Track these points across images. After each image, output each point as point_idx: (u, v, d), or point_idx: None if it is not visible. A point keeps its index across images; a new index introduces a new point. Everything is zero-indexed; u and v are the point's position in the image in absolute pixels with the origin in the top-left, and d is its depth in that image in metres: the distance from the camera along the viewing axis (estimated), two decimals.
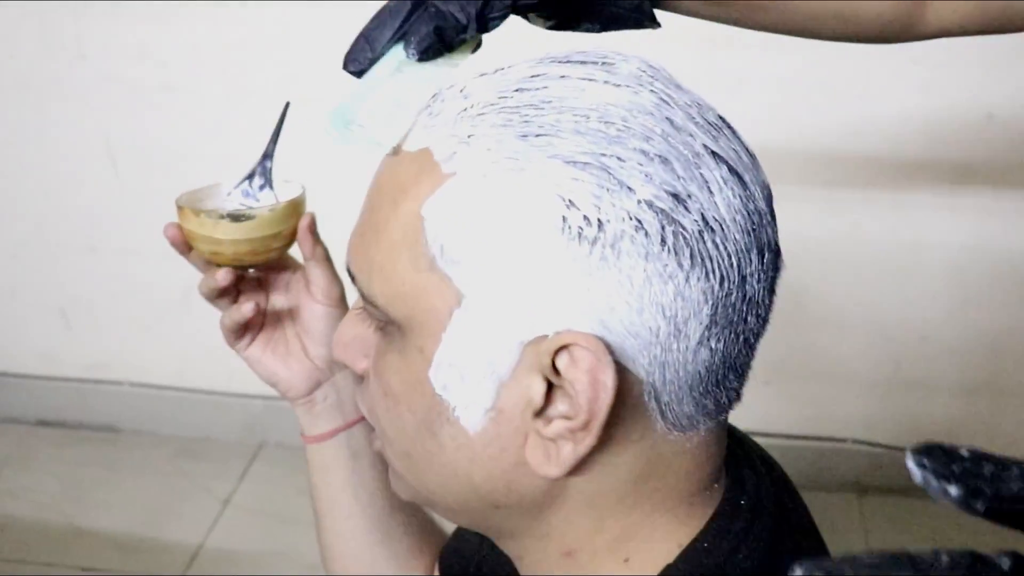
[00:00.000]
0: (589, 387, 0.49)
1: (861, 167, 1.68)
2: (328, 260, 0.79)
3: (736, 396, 0.55)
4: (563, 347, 0.49)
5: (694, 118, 0.51)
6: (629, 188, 0.48)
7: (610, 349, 0.49)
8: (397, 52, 0.64)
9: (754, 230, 0.51)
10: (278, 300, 0.81)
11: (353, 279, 0.56)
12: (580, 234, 0.48)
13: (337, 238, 0.78)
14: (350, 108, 0.62)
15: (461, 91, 0.54)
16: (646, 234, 0.48)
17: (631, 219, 0.48)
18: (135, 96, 1.79)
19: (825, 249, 1.74)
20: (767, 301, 0.53)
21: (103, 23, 1.75)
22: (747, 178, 0.51)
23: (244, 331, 0.79)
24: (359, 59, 0.65)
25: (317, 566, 0.86)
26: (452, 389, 0.52)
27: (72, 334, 2.04)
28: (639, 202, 0.48)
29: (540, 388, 0.50)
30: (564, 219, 0.48)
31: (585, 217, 0.48)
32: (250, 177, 0.81)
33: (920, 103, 1.62)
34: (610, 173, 0.48)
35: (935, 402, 1.87)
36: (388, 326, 0.54)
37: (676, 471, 0.55)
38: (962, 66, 1.58)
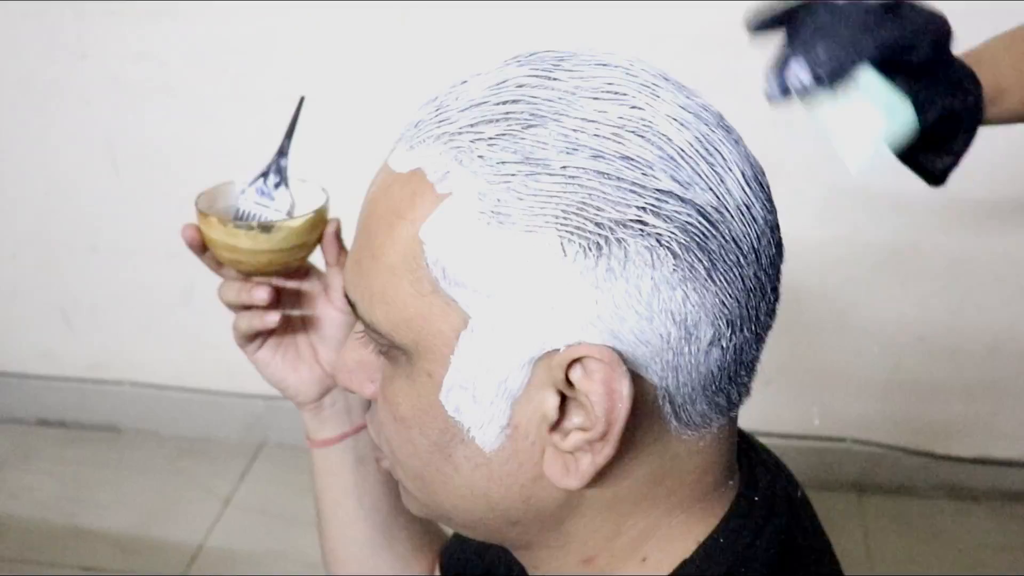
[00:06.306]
0: (605, 398, 0.49)
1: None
2: None
3: (747, 391, 0.55)
4: (575, 360, 0.49)
5: (693, 118, 0.50)
6: (631, 194, 0.48)
7: (622, 358, 0.49)
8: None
9: (757, 225, 0.51)
10: (292, 305, 0.81)
11: (353, 307, 0.55)
12: (584, 247, 0.47)
13: (351, 240, 0.78)
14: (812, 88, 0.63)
15: (443, 104, 0.52)
16: (651, 241, 0.47)
17: (634, 227, 0.47)
18: (136, 96, 1.79)
19: (824, 249, 1.74)
20: (774, 293, 0.53)
21: (104, 23, 1.75)
22: (747, 173, 0.51)
23: (256, 335, 0.79)
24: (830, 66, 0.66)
25: (317, 566, 0.86)
26: (465, 411, 0.51)
27: (72, 334, 2.04)
28: (642, 209, 0.47)
29: (554, 402, 0.50)
30: (568, 233, 0.47)
31: (588, 229, 0.47)
32: (264, 175, 0.80)
33: None
34: (609, 183, 0.47)
35: (934, 402, 1.87)
36: (393, 351, 0.53)
37: (691, 470, 0.55)
38: None
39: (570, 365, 0.49)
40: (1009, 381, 1.84)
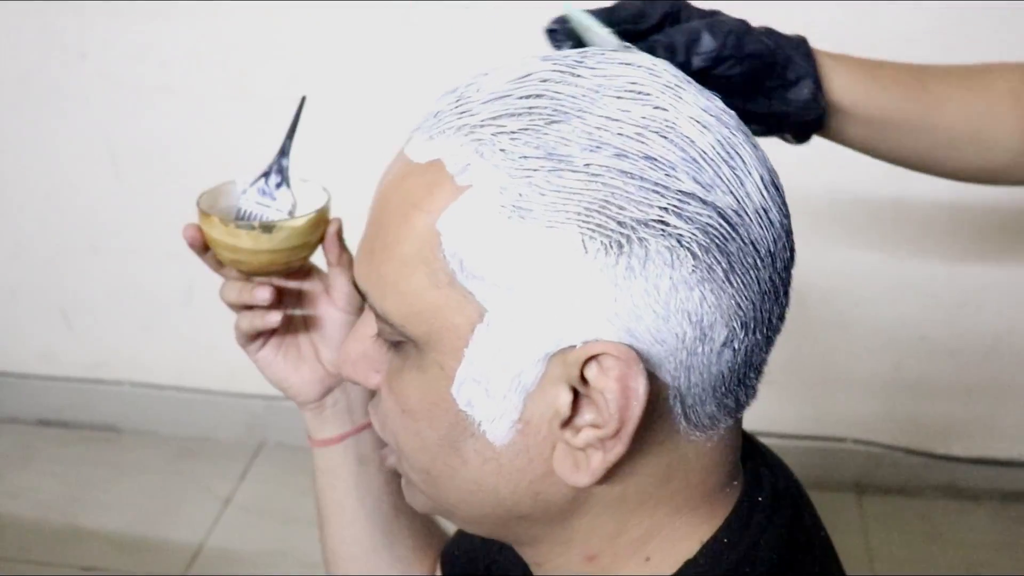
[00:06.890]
0: (620, 395, 0.49)
1: (861, 167, 1.68)
2: (352, 267, 0.78)
3: (754, 393, 0.55)
4: (591, 357, 0.49)
5: (715, 121, 0.51)
6: (654, 195, 0.48)
7: (638, 356, 0.49)
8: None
9: (775, 228, 0.51)
10: (294, 305, 0.81)
11: (363, 296, 0.55)
12: (606, 245, 0.47)
13: (352, 239, 0.78)
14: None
15: (463, 95, 0.52)
16: (672, 242, 0.48)
17: (656, 227, 0.47)
18: (135, 96, 1.79)
19: (825, 249, 1.74)
20: (786, 297, 0.53)
21: (104, 23, 1.75)
22: (765, 177, 0.51)
23: (258, 334, 0.79)
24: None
25: (318, 566, 0.86)
26: (477, 404, 0.51)
27: (72, 334, 2.04)
28: (664, 209, 0.48)
29: (567, 398, 0.50)
30: (589, 230, 0.47)
31: (610, 228, 0.47)
32: (266, 175, 0.80)
33: None
34: (632, 182, 0.48)
35: (934, 402, 1.87)
36: (402, 342, 0.53)
37: (697, 471, 0.55)
38: None
39: (586, 362, 0.49)
40: (1009, 381, 1.84)
